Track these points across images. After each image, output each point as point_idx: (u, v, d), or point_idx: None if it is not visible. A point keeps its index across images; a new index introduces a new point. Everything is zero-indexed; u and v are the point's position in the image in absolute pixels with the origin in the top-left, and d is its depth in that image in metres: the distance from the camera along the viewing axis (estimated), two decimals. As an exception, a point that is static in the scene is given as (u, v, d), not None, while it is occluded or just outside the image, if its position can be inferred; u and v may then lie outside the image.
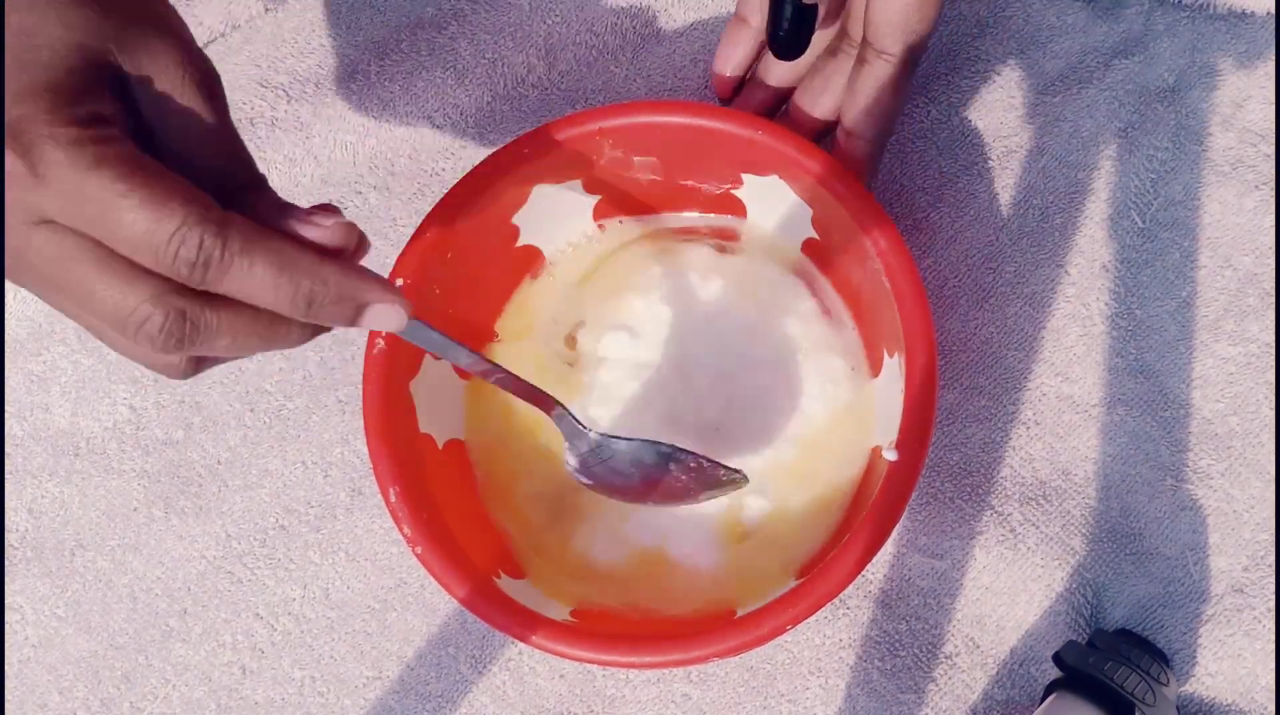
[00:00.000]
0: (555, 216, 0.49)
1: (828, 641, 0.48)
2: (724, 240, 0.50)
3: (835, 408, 0.48)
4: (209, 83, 0.31)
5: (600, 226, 0.51)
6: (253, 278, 0.28)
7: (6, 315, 0.52)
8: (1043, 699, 0.45)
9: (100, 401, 0.52)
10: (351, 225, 0.31)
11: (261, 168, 0.52)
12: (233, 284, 0.29)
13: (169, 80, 0.30)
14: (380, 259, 0.51)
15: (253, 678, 0.50)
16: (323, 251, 0.30)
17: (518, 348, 0.50)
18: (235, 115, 0.53)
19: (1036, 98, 0.51)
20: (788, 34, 0.42)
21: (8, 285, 0.52)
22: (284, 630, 0.50)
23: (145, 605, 0.51)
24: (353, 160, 0.53)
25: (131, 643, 0.50)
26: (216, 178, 0.30)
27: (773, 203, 0.48)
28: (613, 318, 0.49)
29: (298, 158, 0.53)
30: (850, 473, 0.47)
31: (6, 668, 0.50)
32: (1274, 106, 0.50)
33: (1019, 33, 0.52)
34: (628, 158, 0.47)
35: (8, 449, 0.52)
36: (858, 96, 0.45)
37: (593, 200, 0.50)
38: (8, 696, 0.50)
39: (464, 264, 0.47)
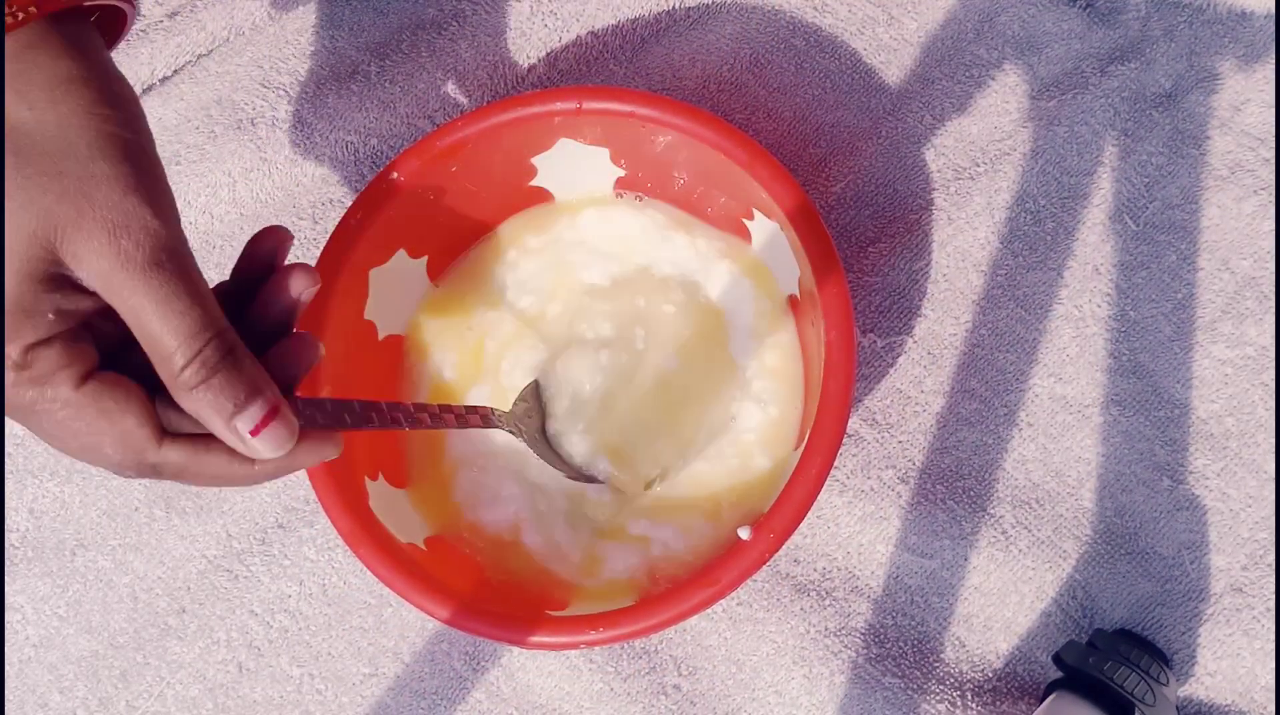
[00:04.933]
0: (577, 171, 0.49)
1: (812, 630, 0.48)
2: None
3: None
4: (151, 258, 0.29)
5: (618, 195, 0.51)
6: (197, 481, 0.31)
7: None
8: (1043, 698, 0.45)
9: (101, 401, 0.52)
10: (286, 429, 0.30)
11: (263, 168, 0.54)
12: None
13: (104, 267, 0.28)
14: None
15: (250, 676, 0.50)
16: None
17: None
18: (238, 116, 0.54)
19: (1032, 103, 0.51)
20: None
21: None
22: (281, 627, 0.50)
23: (146, 605, 0.51)
24: (354, 160, 0.53)
25: (131, 642, 0.50)
26: (174, 347, 0.29)
27: (774, 246, 0.47)
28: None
29: (299, 157, 0.54)
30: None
31: (7, 667, 0.50)
32: (1274, 109, 0.50)
33: (1015, 37, 0.52)
34: (654, 137, 0.47)
35: (8, 448, 0.52)
36: None
37: (619, 172, 0.50)
38: (8, 696, 0.50)
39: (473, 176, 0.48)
